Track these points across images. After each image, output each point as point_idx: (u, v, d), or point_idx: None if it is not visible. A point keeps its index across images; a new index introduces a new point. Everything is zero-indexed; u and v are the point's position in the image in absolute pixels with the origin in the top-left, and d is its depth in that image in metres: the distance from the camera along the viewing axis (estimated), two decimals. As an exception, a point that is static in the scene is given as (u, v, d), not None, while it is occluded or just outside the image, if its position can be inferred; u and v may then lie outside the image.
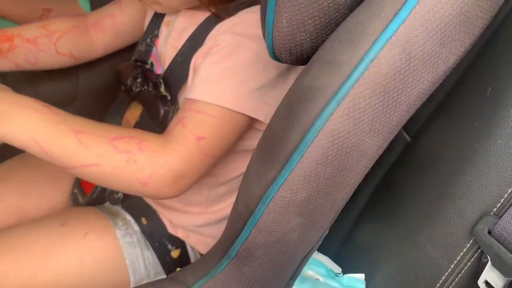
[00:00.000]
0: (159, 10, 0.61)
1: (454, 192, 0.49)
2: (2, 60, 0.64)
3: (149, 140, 0.50)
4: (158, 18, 0.67)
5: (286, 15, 0.37)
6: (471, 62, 0.55)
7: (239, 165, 0.62)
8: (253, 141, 0.59)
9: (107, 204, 0.68)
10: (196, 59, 0.57)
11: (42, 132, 0.47)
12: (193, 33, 0.59)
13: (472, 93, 0.54)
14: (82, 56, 0.73)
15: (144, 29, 0.69)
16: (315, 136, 0.35)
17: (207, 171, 0.54)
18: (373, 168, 0.41)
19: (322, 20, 0.38)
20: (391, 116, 0.37)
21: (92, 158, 0.48)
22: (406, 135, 0.65)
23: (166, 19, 0.66)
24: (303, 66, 0.40)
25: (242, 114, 0.52)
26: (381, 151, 0.44)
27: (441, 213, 0.51)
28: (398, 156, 0.66)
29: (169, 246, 0.66)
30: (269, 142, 0.39)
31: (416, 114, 0.63)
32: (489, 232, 0.42)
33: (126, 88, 0.65)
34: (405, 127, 0.64)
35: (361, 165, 0.40)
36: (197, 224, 0.66)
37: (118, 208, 0.66)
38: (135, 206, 0.66)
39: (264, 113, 0.54)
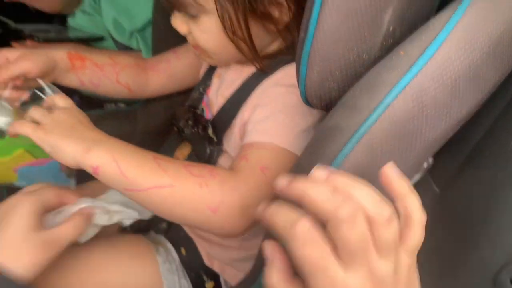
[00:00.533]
0: (211, 63, 0.70)
1: (478, 242, 0.51)
2: (72, 75, 0.73)
3: (219, 169, 0.54)
4: (211, 70, 0.76)
5: (316, 67, 0.43)
6: (498, 115, 0.59)
7: None
8: None
9: (152, 233, 0.74)
10: (245, 110, 0.64)
11: (123, 152, 0.51)
12: (241, 85, 0.66)
13: (498, 145, 0.57)
14: (137, 91, 0.82)
15: (200, 78, 0.78)
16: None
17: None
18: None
19: (348, 72, 0.44)
20: (407, 157, 0.42)
21: (168, 179, 0.50)
22: (435, 187, 0.68)
23: (217, 71, 0.74)
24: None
25: (294, 153, 0.57)
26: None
27: (465, 263, 0.52)
28: (427, 209, 0.68)
29: (205, 278, 0.70)
30: (297, 175, 0.44)
31: (446, 166, 0.66)
32: (512, 282, 0.44)
33: (178, 129, 0.73)
34: (435, 179, 0.67)
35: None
36: (234, 258, 0.70)
37: (161, 237, 0.72)
38: (177, 236, 0.72)
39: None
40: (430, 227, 0.65)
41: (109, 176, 0.50)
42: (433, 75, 0.39)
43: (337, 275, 0.31)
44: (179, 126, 0.73)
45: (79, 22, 1.17)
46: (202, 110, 0.74)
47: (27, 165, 0.73)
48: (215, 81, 0.74)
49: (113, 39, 1.10)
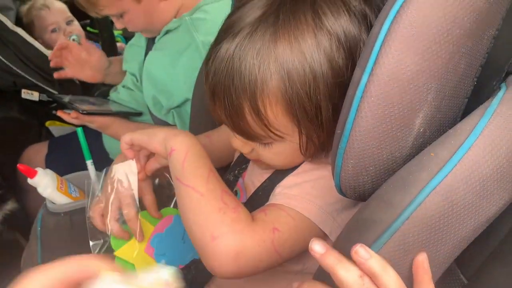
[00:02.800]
0: (266, 168, 0.70)
1: None
2: None
3: (243, 210, 0.57)
4: None
5: (351, 161, 0.47)
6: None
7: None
8: (317, 265, 0.66)
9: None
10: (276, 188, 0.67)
11: (196, 152, 0.61)
12: (274, 172, 0.69)
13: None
14: None
15: (234, 161, 0.81)
16: (370, 261, 0.42)
17: (267, 268, 0.57)
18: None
19: (382, 168, 0.47)
20: (438, 252, 0.44)
21: (204, 189, 0.57)
22: (463, 277, 0.68)
23: None
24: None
25: (314, 224, 0.59)
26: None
27: None
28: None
29: None
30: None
31: (473, 257, 0.67)
32: None
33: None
34: (462, 269, 0.68)
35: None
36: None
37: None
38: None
39: (331, 230, 0.59)
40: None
41: (175, 160, 0.60)
42: (461, 177, 0.42)
43: None
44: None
45: (120, 96, 1.25)
46: (236, 192, 0.77)
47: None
48: (251, 165, 0.77)
49: (151, 114, 1.17)
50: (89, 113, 1.11)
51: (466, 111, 0.53)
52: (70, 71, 1.25)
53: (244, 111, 0.56)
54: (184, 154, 0.60)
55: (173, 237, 0.77)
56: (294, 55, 0.53)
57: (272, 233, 0.56)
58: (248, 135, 0.59)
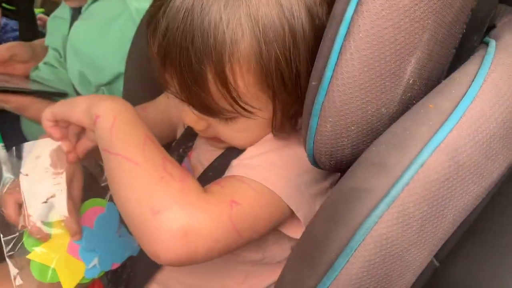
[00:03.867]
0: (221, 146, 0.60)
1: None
2: None
3: (193, 180, 0.46)
4: (192, 130, 0.68)
5: (330, 119, 0.38)
6: (502, 183, 0.55)
7: (263, 278, 0.58)
8: (278, 254, 0.57)
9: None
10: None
11: (127, 117, 0.50)
12: (227, 148, 0.58)
13: (506, 216, 0.53)
14: None
15: (178, 138, 0.70)
16: (363, 240, 0.33)
17: (224, 251, 0.46)
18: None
19: (365, 127, 0.39)
20: (438, 226, 0.36)
21: (139, 157, 0.46)
22: (434, 260, 0.62)
23: None
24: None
25: (280, 198, 0.49)
26: (424, 266, 0.41)
27: None
28: (426, 283, 0.62)
29: None
30: (309, 246, 0.37)
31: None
32: None
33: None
34: (434, 252, 0.62)
35: (405, 280, 0.37)
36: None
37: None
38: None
39: (298, 206, 0.50)
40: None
41: (101, 129, 0.49)
42: (468, 131, 0.34)
43: None
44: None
45: (41, 75, 1.10)
46: None
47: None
48: (199, 142, 0.66)
49: (77, 93, 1.03)
50: (4, 91, 0.94)
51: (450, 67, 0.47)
52: None
53: (206, 81, 0.45)
54: (111, 120, 0.49)
55: (105, 230, 0.64)
56: (271, 7, 0.42)
57: (230, 206, 0.45)
58: (209, 110, 0.48)
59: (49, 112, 0.56)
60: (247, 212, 0.46)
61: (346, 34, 0.35)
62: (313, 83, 0.38)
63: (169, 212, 0.42)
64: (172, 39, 0.44)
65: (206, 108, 0.48)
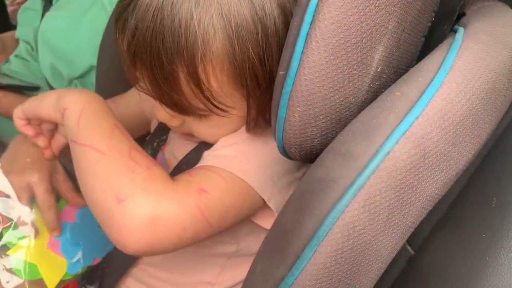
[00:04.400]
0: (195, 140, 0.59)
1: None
2: None
3: (160, 169, 0.46)
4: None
5: (298, 109, 0.37)
6: (473, 172, 0.56)
7: (239, 272, 0.58)
8: (253, 245, 0.56)
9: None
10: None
11: (95, 108, 0.49)
12: (201, 142, 0.58)
13: (477, 203, 0.53)
14: None
15: (152, 131, 0.68)
16: (330, 229, 0.33)
17: (193, 240, 0.45)
18: (375, 284, 0.38)
19: (333, 116, 0.38)
20: (406, 214, 0.36)
21: (105, 147, 0.45)
22: (409, 248, 0.63)
23: None
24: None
25: (251, 187, 0.48)
26: (393, 254, 0.41)
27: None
28: (401, 271, 0.63)
29: None
30: (278, 237, 0.36)
31: (419, 226, 0.61)
32: None
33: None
34: (408, 240, 0.62)
35: (374, 268, 0.37)
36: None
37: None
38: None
39: (270, 195, 0.50)
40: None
41: (68, 120, 0.49)
42: (434, 119, 0.34)
43: None
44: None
45: (13, 68, 1.07)
46: None
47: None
48: (173, 136, 0.65)
49: (50, 87, 1.00)
50: None
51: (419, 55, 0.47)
52: None
53: (178, 80, 0.44)
54: (79, 111, 0.48)
55: (88, 223, 0.63)
56: (243, 5, 0.41)
57: (198, 194, 0.44)
58: (181, 109, 0.47)
59: (19, 110, 0.55)
60: (216, 200, 0.46)
61: (311, 22, 0.34)
62: (280, 73, 0.38)
63: (134, 199, 0.42)
64: (142, 39, 0.43)
65: (178, 107, 0.47)
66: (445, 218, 0.59)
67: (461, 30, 0.43)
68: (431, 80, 0.35)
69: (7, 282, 0.57)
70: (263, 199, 0.49)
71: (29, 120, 0.55)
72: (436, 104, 0.34)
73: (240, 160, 0.49)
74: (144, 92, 0.48)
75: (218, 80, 0.44)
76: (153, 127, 0.68)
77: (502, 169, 0.52)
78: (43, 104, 0.52)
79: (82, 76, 0.93)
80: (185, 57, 0.42)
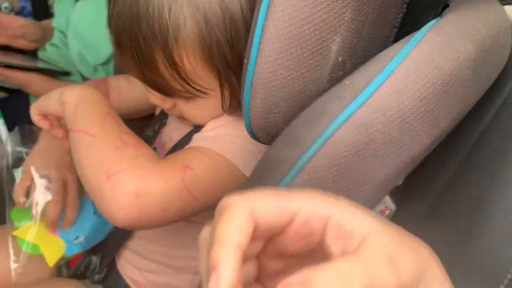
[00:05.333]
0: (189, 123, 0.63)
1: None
2: None
3: (148, 149, 0.50)
4: None
5: (260, 96, 0.40)
6: (460, 163, 0.56)
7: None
8: None
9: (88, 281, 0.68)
10: None
11: (90, 99, 0.53)
12: (195, 127, 0.61)
13: (460, 194, 0.54)
14: None
15: (156, 114, 0.73)
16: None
17: (180, 214, 0.49)
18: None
19: (294, 103, 0.41)
20: (352, 197, 0.38)
21: (97, 130, 0.50)
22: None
23: None
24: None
25: (235, 165, 0.52)
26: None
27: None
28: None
29: None
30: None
31: (408, 215, 0.63)
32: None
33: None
34: (397, 228, 0.63)
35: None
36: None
37: (98, 286, 0.66)
38: (115, 286, 0.66)
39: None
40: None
41: (67, 113, 0.54)
42: (379, 107, 0.36)
43: None
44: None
45: (48, 55, 1.14)
46: (155, 149, 0.68)
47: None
48: (171, 119, 0.69)
49: (80, 74, 1.07)
50: (7, 66, 0.99)
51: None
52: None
53: (156, 63, 0.48)
54: (75, 104, 0.53)
55: (83, 211, 0.69)
56: None
57: (183, 170, 0.48)
58: (164, 91, 0.52)
59: (34, 108, 0.61)
60: (200, 176, 0.49)
61: (266, 14, 0.37)
62: (245, 61, 0.41)
63: (122, 175, 0.46)
64: (122, 26, 0.48)
65: (161, 89, 0.51)
66: (432, 209, 0.60)
67: (434, 21, 0.44)
68: (381, 71, 0.37)
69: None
70: (246, 177, 0.52)
71: (44, 116, 0.61)
72: (382, 93, 0.36)
73: (224, 140, 0.53)
74: (134, 76, 0.52)
75: (191, 62, 0.48)
76: (157, 110, 0.73)
77: (483, 161, 0.52)
78: (49, 102, 0.58)
79: (105, 63, 0.98)
80: (160, 42, 0.46)
